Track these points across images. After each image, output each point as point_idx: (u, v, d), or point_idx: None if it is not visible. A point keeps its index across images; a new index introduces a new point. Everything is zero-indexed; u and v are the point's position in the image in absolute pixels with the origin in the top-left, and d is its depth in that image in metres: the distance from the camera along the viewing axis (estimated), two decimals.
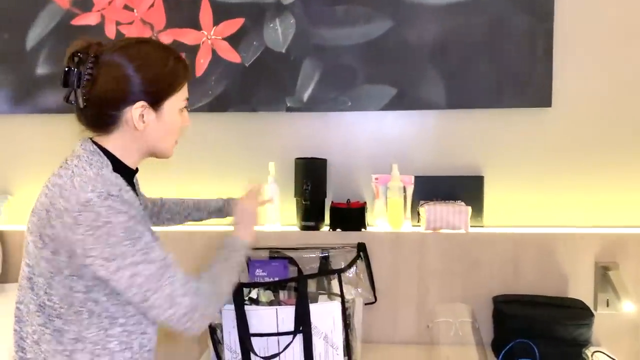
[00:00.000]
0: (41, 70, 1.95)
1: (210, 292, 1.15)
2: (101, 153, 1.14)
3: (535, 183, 1.86)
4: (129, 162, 1.18)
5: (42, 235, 1.08)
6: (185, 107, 1.22)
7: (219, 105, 1.90)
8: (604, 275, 1.72)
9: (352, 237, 1.79)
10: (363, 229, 1.83)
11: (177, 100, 1.18)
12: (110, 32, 1.92)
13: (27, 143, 2.03)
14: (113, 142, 1.16)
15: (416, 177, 1.87)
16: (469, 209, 1.79)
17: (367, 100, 1.86)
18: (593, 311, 1.67)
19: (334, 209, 1.85)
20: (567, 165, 1.85)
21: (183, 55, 1.23)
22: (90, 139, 1.16)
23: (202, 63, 1.89)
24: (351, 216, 1.83)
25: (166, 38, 1.90)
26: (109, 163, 1.13)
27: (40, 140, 2.02)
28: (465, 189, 1.86)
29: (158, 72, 1.14)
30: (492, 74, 1.81)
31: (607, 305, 1.73)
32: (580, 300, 1.71)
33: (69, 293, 1.09)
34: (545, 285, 1.75)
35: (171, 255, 1.12)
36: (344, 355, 1.47)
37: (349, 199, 1.87)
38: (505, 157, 1.87)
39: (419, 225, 1.85)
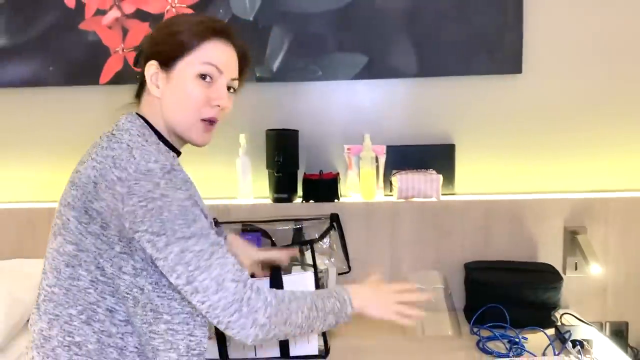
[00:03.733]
0: None
1: (281, 302, 1.04)
2: (148, 127, 1.10)
3: (506, 150, 1.87)
4: (168, 138, 1.13)
5: (89, 210, 1.02)
6: (209, 76, 1.09)
7: None
8: (572, 240, 1.76)
9: (326, 209, 1.79)
10: (336, 200, 1.82)
11: (193, 62, 1.07)
12: (70, 1, 1.84)
13: None
14: (145, 112, 1.12)
15: (388, 147, 1.86)
16: (440, 177, 1.79)
17: (338, 69, 1.83)
18: (562, 275, 1.70)
19: (307, 180, 1.83)
20: (537, 132, 1.86)
21: (216, 20, 1.14)
22: (136, 113, 1.13)
23: None
24: (324, 187, 1.82)
25: (129, 6, 1.83)
26: (157, 137, 1.10)
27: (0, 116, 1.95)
28: (436, 158, 1.86)
29: (172, 31, 1.09)
30: (462, 41, 1.80)
31: (576, 269, 1.77)
32: (550, 265, 1.74)
33: (117, 274, 1.04)
34: (515, 251, 1.78)
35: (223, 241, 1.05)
36: None
37: (321, 170, 1.86)
38: (476, 124, 1.87)
39: (392, 195, 1.85)
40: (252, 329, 1.01)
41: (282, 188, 1.83)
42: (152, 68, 1.09)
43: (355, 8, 1.80)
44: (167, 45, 1.08)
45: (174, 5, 1.82)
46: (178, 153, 1.17)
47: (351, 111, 1.89)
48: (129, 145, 1.04)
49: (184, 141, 1.15)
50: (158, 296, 1.06)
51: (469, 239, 1.78)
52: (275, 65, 1.84)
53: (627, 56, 1.82)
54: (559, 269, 1.75)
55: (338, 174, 1.86)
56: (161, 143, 1.09)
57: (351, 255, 1.78)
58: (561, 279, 1.66)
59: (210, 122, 1.12)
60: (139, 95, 1.15)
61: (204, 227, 1.01)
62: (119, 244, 1.03)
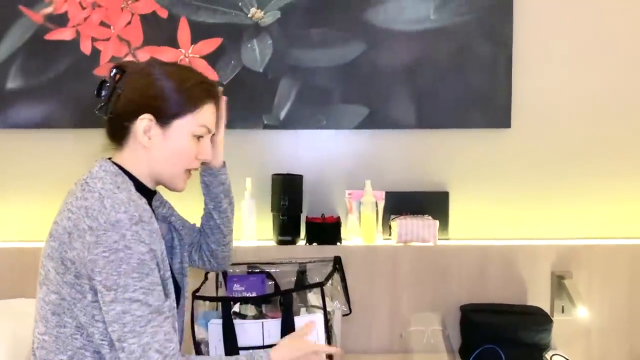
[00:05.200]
0: (12, 84, 1.92)
1: None
2: (123, 174, 1.14)
3: (496, 198, 2.00)
4: (147, 182, 1.18)
5: (64, 260, 1.07)
6: (201, 135, 1.18)
7: None
8: (559, 284, 1.87)
9: (328, 251, 1.86)
10: (338, 243, 1.90)
11: (190, 123, 1.15)
12: (86, 48, 1.91)
13: None
14: (126, 158, 1.16)
15: (387, 193, 1.96)
16: (437, 222, 1.90)
17: (342, 119, 1.94)
18: (551, 317, 1.80)
19: (310, 223, 1.91)
20: (525, 182, 1.99)
21: (213, 82, 1.21)
22: (109, 159, 1.17)
23: None
24: (326, 230, 1.90)
25: (143, 55, 1.91)
26: (132, 183, 1.13)
27: (9, 157, 1.98)
28: (432, 204, 1.97)
29: (172, 88, 1.14)
30: (456, 96, 1.94)
31: (563, 312, 1.87)
32: (539, 307, 1.84)
33: (91, 322, 1.08)
34: (507, 293, 1.88)
35: (168, 304, 1.10)
36: None
37: (323, 214, 1.94)
38: (468, 174, 1.99)
39: (390, 239, 1.94)
40: None
41: (286, 231, 1.90)
42: (145, 121, 1.13)
43: (359, 64, 1.92)
44: (170, 105, 1.13)
45: (187, 55, 1.91)
46: (153, 192, 1.22)
47: (352, 158, 2.00)
48: (100, 194, 1.08)
49: (160, 184, 1.22)
50: None
51: (464, 282, 1.88)
52: (282, 114, 1.94)
53: (608, 113, 1.98)
54: (547, 311, 1.85)
55: (339, 217, 1.95)
56: (133, 189, 1.13)
57: (352, 298, 1.85)
58: (551, 321, 1.77)
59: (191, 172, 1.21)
60: (116, 137, 1.17)
61: (153, 282, 1.06)
62: (90, 293, 1.07)
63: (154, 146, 1.15)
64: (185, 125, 1.15)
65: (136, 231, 1.05)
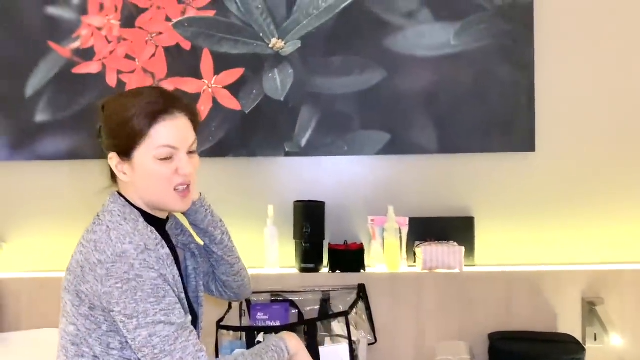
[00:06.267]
0: (40, 117, 1.97)
1: None
2: (130, 205, 1.17)
3: (523, 223, 1.96)
4: (150, 211, 1.19)
5: (79, 293, 1.11)
6: (169, 157, 1.13)
7: (219, 150, 1.95)
8: (590, 311, 1.81)
9: (351, 279, 1.84)
10: (362, 270, 1.88)
11: (148, 149, 1.12)
12: (112, 80, 1.96)
13: (24, 190, 2.02)
14: (124, 192, 1.19)
15: (410, 219, 1.94)
16: (463, 249, 1.87)
17: (363, 145, 1.94)
18: (583, 345, 1.75)
19: (333, 250, 1.90)
20: (552, 206, 1.95)
21: (161, 99, 1.15)
22: (118, 192, 1.20)
23: (202, 110, 1.95)
24: (350, 258, 1.88)
25: (167, 87, 1.94)
26: (139, 214, 1.16)
27: (37, 187, 2.02)
28: (457, 230, 1.94)
29: (117, 123, 1.13)
30: (479, 121, 1.93)
31: (595, 339, 1.81)
32: (571, 335, 1.79)
33: (106, 351, 1.11)
34: (536, 321, 1.83)
35: (189, 319, 1.13)
36: None
37: (346, 241, 1.93)
38: (493, 199, 1.97)
39: (415, 266, 1.91)
40: None
41: (309, 258, 1.89)
42: (113, 160, 1.15)
43: (379, 90, 1.93)
44: (121, 139, 1.13)
45: (210, 86, 1.94)
46: (164, 220, 1.23)
47: (375, 185, 1.99)
48: (108, 227, 1.12)
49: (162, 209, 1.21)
50: None
51: (491, 309, 1.83)
52: (304, 141, 1.95)
53: (634, 134, 1.94)
54: (579, 339, 1.80)
55: (362, 244, 1.93)
56: (141, 219, 1.15)
57: (376, 326, 1.82)
58: (584, 349, 1.71)
59: (184, 188, 1.17)
60: (113, 176, 1.20)
61: (171, 302, 1.09)
62: (105, 323, 1.11)
63: (131, 178, 1.15)
64: (144, 153, 1.13)
65: (144, 259, 1.08)
